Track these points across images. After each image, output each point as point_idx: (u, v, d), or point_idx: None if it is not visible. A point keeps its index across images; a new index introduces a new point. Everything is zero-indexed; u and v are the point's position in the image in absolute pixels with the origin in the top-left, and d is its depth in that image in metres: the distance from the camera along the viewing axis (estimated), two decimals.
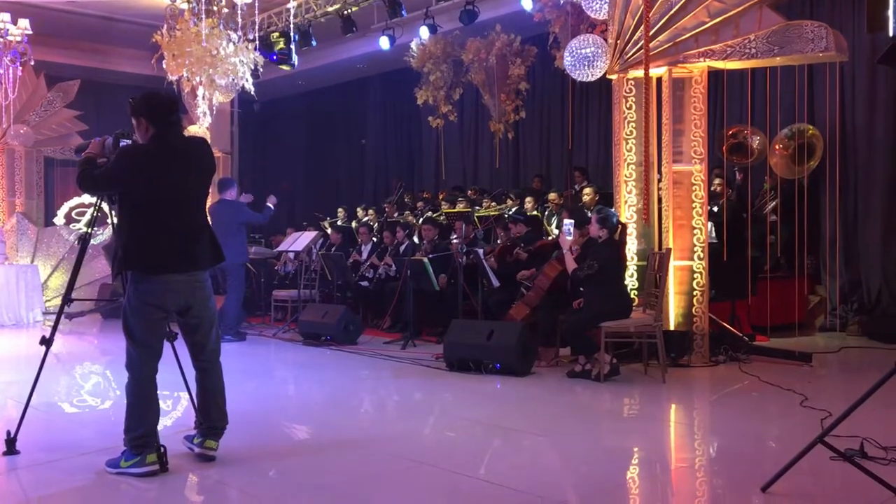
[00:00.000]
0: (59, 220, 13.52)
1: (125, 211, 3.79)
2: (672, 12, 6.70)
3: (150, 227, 3.72)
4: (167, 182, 3.73)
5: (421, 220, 10.59)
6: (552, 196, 9.87)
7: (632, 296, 6.63)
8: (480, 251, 7.90)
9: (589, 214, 6.76)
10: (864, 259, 8.72)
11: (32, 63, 11.56)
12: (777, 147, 8.83)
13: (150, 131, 3.79)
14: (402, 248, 9.64)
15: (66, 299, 4.32)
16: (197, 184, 3.89)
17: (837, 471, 3.63)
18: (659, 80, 6.97)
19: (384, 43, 11.30)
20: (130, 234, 3.75)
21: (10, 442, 4.04)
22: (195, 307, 3.84)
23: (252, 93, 10.75)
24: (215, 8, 10.13)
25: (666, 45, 6.76)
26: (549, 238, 8.38)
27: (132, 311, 3.73)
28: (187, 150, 3.86)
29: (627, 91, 6.97)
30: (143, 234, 3.72)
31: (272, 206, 9.08)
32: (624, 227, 6.77)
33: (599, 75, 7.24)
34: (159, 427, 3.81)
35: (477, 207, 10.60)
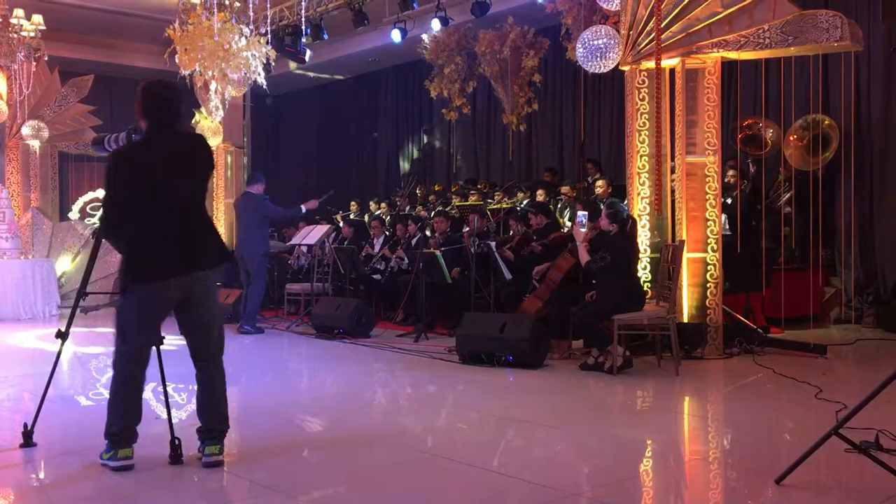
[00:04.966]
0: (74, 214, 13.62)
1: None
2: (685, 2, 6.67)
3: (147, 233, 3.59)
4: (159, 184, 3.60)
5: (433, 213, 10.59)
6: (565, 189, 9.83)
7: (645, 288, 6.61)
8: (493, 243, 7.88)
9: (602, 207, 6.74)
10: (879, 251, 8.65)
11: (46, 58, 11.62)
12: (792, 138, 8.76)
13: (143, 123, 3.69)
14: (414, 241, 9.64)
15: (81, 293, 4.33)
16: (194, 183, 3.75)
17: (852, 463, 3.61)
18: (672, 71, 6.93)
19: (396, 36, 11.28)
20: (130, 245, 3.61)
21: (28, 434, 4.07)
22: (193, 303, 3.69)
23: (264, 87, 10.76)
24: (227, 2, 10.14)
25: (679, 36, 6.72)
26: (564, 230, 8.36)
27: (128, 308, 3.64)
28: (181, 149, 3.73)
29: (640, 82, 6.94)
30: (142, 243, 3.60)
31: (304, 209, 9.14)
32: (634, 221, 6.74)
33: (612, 67, 7.21)
34: (174, 420, 3.83)
35: (489, 200, 10.59)
